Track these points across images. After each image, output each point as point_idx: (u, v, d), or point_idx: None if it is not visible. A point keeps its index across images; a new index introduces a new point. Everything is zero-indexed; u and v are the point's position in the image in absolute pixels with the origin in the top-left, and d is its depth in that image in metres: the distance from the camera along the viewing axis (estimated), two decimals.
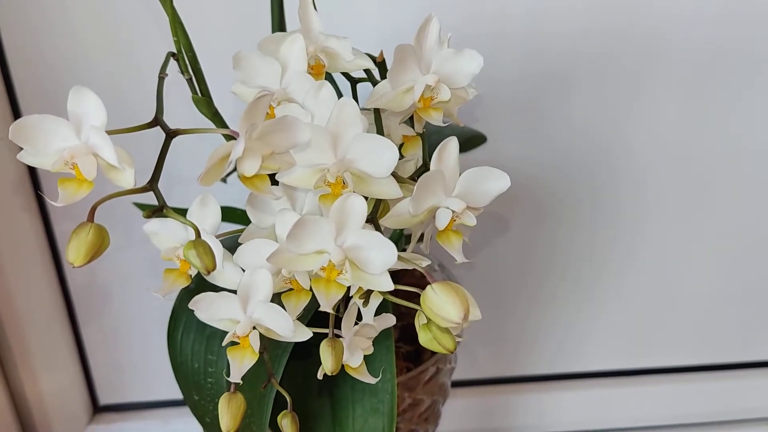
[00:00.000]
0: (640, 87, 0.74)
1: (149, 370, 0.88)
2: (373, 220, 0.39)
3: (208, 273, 0.33)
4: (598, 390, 0.92)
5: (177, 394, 0.89)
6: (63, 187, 0.33)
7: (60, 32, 0.68)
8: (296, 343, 0.48)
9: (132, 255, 0.80)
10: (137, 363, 0.87)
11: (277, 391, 0.46)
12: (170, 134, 0.36)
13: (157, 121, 0.37)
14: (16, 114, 0.72)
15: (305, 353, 0.52)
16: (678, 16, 0.70)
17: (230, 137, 0.44)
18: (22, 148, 0.72)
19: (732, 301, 0.88)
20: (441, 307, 0.35)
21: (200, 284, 0.49)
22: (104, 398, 0.90)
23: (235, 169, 0.64)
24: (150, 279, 0.81)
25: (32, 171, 0.74)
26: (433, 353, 0.62)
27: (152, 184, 0.34)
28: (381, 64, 0.48)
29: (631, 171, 0.79)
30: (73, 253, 0.31)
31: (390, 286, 0.37)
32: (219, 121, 0.47)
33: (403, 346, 0.64)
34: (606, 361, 0.93)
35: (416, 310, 0.65)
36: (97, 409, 0.90)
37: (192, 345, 0.53)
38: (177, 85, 0.45)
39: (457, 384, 0.91)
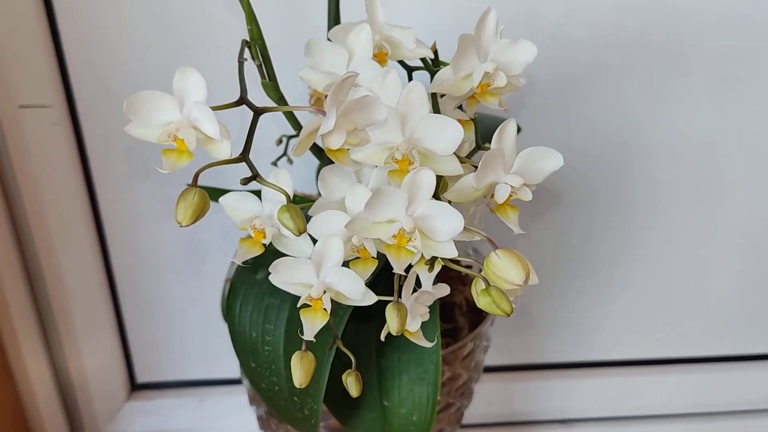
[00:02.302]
0: (661, 90, 0.77)
1: (185, 349, 0.91)
2: (435, 194, 0.43)
3: (300, 234, 0.37)
4: (612, 379, 0.95)
5: (212, 373, 0.93)
6: (166, 157, 0.37)
7: (112, 18, 0.71)
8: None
9: (170, 238, 0.84)
10: (174, 343, 0.91)
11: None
12: (258, 112, 0.40)
13: (242, 100, 0.41)
14: (69, 97, 0.75)
15: (355, 327, 0.56)
16: (699, 21, 0.73)
17: (293, 117, 0.47)
18: (77, 129, 0.76)
19: (749, 292, 0.91)
20: (504, 270, 0.39)
21: (257, 259, 0.53)
22: (142, 376, 0.93)
23: (284, 154, 0.68)
24: (188, 261, 0.85)
25: (81, 152, 0.78)
26: (470, 331, 0.66)
27: (244, 156, 0.38)
28: (434, 54, 0.51)
29: (648, 166, 0.82)
30: (181, 213, 0.35)
31: (454, 252, 0.40)
32: (284, 103, 0.51)
33: (442, 324, 0.67)
34: (620, 351, 0.96)
35: (454, 292, 0.69)
36: (135, 386, 0.94)
37: (250, 315, 0.56)
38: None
39: None
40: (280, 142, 0.67)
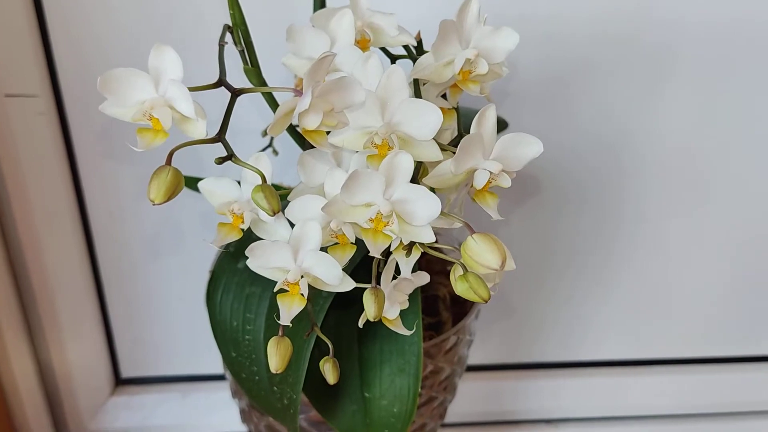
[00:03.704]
0: (647, 91, 0.77)
1: (170, 345, 0.90)
2: (414, 180, 0.43)
3: (273, 214, 0.37)
4: (599, 379, 0.95)
5: (196, 369, 0.93)
6: (141, 136, 0.37)
7: (99, 7, 0.70)
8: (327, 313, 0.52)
9: (157, 231, 0.83)
10: (159, 338, 0.90)
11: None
12: (235, 93, 0.39)
13: (221, 82, 0.41)
14: (55, 86, 0.74)
15: (337, 317, 0.55)
16: (686, 23, 0.73)
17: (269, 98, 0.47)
18: (63, 119, 0.75)
19: (738, 294, 0.91)
20: (481, 255, 0.38)
21: (239, 247, 0.53)
22: (126, 371, 0.93)
23: (269, 145, 0.68)
24: (174, 255, 0.85)
25: (67, 141, 0.77)
26: (454, 326, 0.65)
27: (220, 136, 0.38)
28: (418, 43, 0.51)
29: (635, 166, 0.81)
30: (154, 191, 0.35)
31: (432, 237, 0.40)
32: None
33: (425, 318, 0.67)
34: (607, 351, 0.95)
35: (437, 285, 0.69)
36: (119, 381, 0.93)
37: (231, 304, 0.56)
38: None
39: None
40: (265, 133, 0.67)
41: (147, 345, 0.91)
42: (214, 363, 0.88)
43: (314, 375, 0.50)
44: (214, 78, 0.43)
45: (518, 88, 0.76)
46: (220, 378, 0.92)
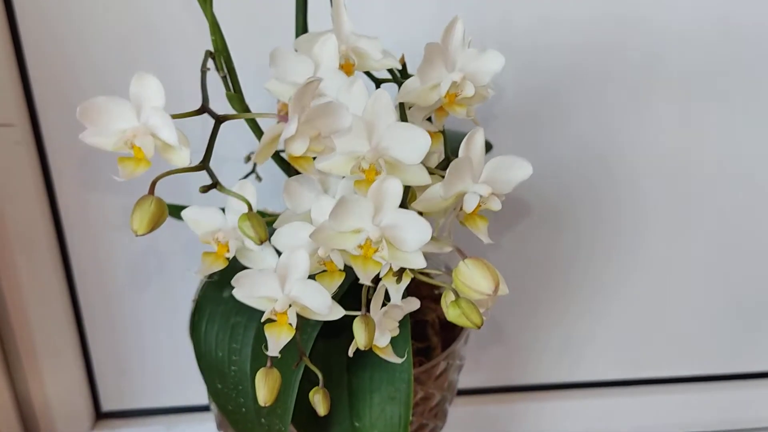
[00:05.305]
0: (637, 100, 0.77)
1: (152, 376, 0.88)
2: (402, 205, 0.42)
3: (261, 242, 0.36)
4: (595, 400, 0.94)
5: (180, 400, 0.91)
6: (122, 165, 0.36)
7: (76, 36, 0.69)
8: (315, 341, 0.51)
9: (138, 259, 0.82)
10: (141, 368, 0.88)
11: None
12: (219, 119, 0.39)
13: (204, 108, 0.40)
14: (33, 115, 0.73)
15: (325, 345, 0.54)
16: (675, 31, 0.73)
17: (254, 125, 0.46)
18: (41, 148, 0.74)
19: (732, 312, 0.91)
20: (473, 279, 0.38)
21: (223, 276, 0.51)
22: (107, 404, 0.90)
23: (252, 171, 0.67)
24: (156, 283, 0.83)
25: (45, 170, 0.76)
26: (444, 350, 0.64)
27: (205, 164, 0.37)
28: (403, 66, 0.51)
29: (630, 182, 0.81)
30: (137, 222, 0.34)
31: (423, 263, 0.39)
32: None
33: (414, 343, 0.66)
34: (603, 371, 0.95)
35: (426, 310, 0.68)
36: (100, 415, 0.90)
37: (216, 335, 0.54)
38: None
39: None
40: (248, 159, 0.66)
41: (129, 376, 0.89)
42: (199, 393, 0.86)
43: (302, 404, 0.49)
44: (197, 104, 0.42)
45: (504, 108, 0.76)
46: (205, 409, 0.90)
